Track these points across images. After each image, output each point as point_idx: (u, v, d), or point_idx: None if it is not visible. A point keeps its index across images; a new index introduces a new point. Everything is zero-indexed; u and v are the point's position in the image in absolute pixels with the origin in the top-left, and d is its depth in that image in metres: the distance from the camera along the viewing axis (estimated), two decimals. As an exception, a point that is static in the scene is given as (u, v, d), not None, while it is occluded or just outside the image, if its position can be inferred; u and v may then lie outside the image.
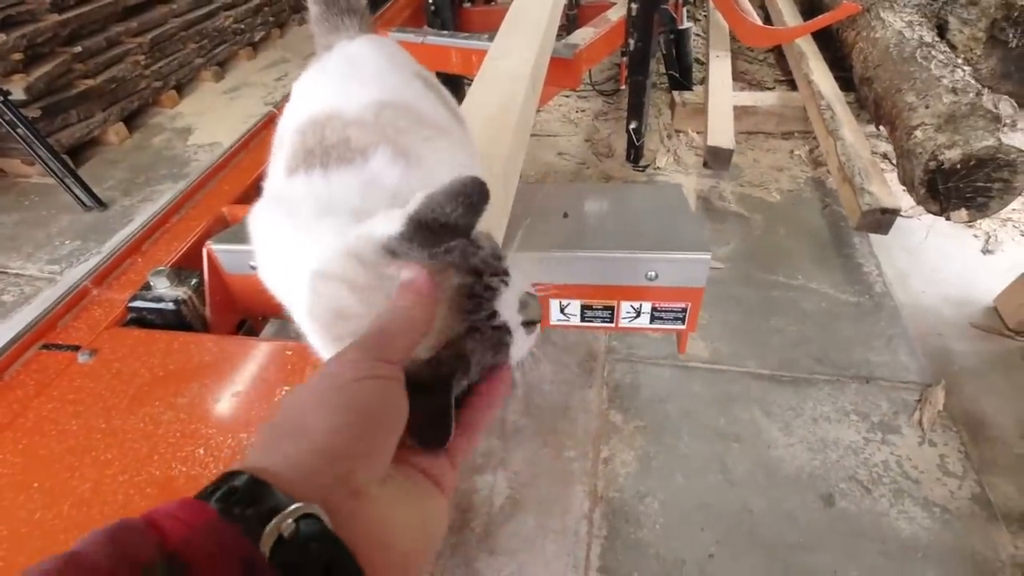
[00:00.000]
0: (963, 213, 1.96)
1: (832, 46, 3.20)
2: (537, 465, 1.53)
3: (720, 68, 2.83)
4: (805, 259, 2.12)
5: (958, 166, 1.85)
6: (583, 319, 0.93)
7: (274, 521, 0.24)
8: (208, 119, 3.37)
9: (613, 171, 2.66)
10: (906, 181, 2.05)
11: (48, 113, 2.82)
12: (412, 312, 0.35)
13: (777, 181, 2.54)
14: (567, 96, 3.24)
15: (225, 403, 0.78)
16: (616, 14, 2.27)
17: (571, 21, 2.45)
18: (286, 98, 0.67)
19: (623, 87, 2.64)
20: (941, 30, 2.78)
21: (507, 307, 0.39)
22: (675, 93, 2.89)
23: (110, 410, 0.77)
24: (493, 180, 0.79)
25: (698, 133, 2.83)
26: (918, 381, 1.67)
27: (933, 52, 2.30)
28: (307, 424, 0.29)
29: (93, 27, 3.08)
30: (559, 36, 2.89)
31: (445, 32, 1.68)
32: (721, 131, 2.31)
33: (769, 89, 3.16)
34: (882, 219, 1.88)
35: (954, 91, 2.04)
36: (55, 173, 2.52)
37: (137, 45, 3.28)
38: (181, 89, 3.68)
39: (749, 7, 3.15)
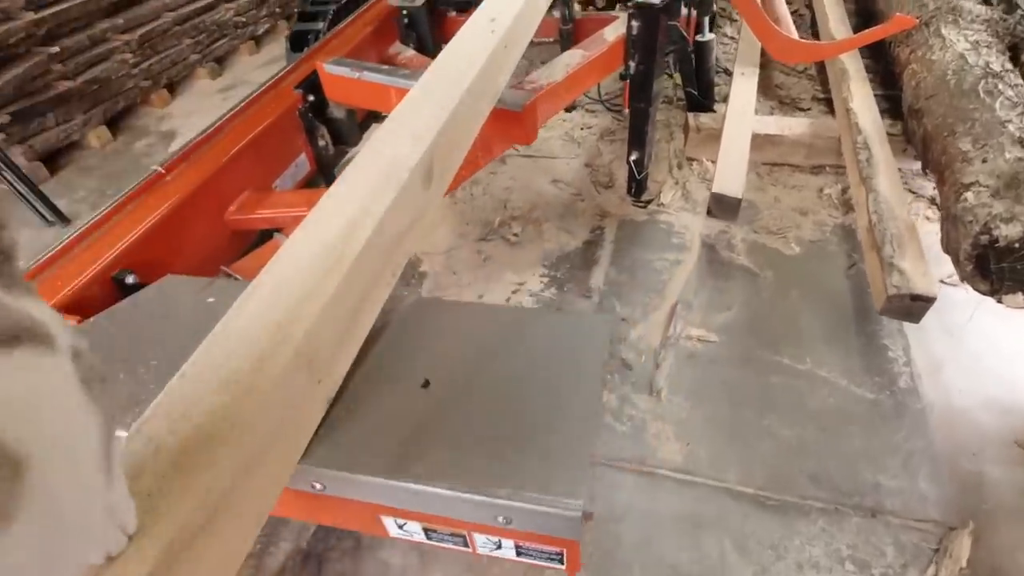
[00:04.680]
0: (1020, 297, 1.59)
1: (885, 58, 2.78)
2: (456, 596, 1.29)
3: (743, 89, 2.47)
4: (817, 335, 1.79)
5: (1016, 244, 1.48)
6: (428, 538, 0.68)
7: None
8: (194, 122, 3.20)
9: (611, 206, 2.36)
10: (951, 251, 1.69)
11: (21, 117, 2.70)
12: None
13: (799, 227, 2.19)
14: (573, 110, 2.92)
15: None
16: (614, 33, 1.95)
17: (565, 38, 2.13)
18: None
19: (627, 110, 2.33)
20: (1015, 52, 2.32)
21: None
22: (691, 115, 2.54)
23: None
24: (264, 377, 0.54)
25: (713, 162, 2.48)
26: (939, 521, 1.35)
27: (1000, 86, 1.89)
28: None
29: (75, 25, 2.93)
30: (549, 54, 2.58)
31: (385, 68, 1.42)
32: (730, 174, 1.98)
33: (803, 110, 2.76)
34: (913, 306, 1.54)
35: (1021, 143, 1.65)
36: (15, 187, 2.39)
37: (124, 43, 3.13)
38: (175, 87, 3.53)
39: (785, 13, 2.75)
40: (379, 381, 0.71)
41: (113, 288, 1.01)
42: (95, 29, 3.01)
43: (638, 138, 2.18)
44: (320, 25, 2.05)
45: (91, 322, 0.85)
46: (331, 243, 0.71)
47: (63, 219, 2.50)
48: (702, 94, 2.63)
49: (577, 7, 2.11)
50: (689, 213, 2.30)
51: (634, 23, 1.89)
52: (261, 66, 3.84)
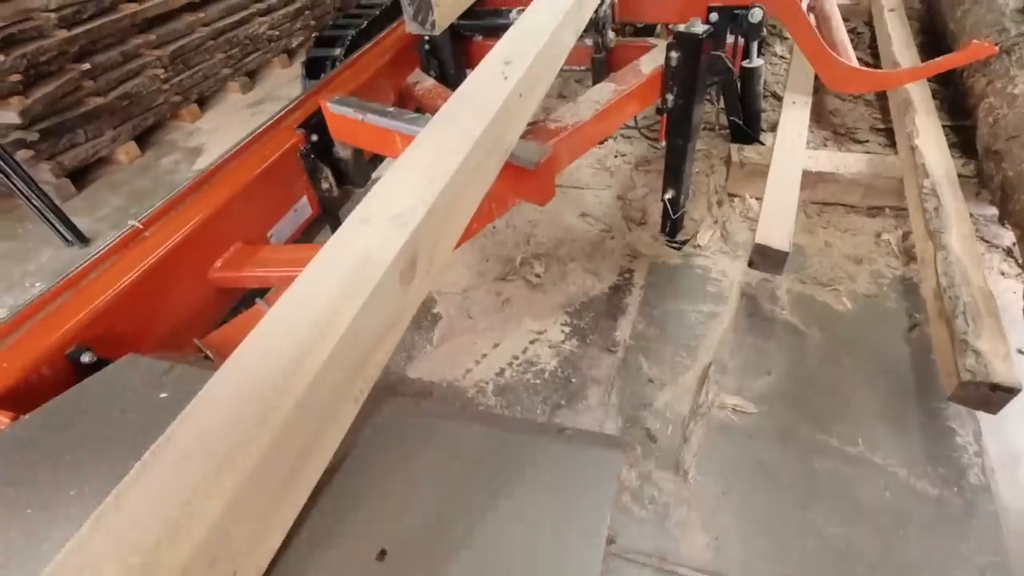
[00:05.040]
0: (1120, 385, 1.36)
1: (955, 84, 2.52)
2: None
3: (794, 120, 2.26)
4: (872, 411, 1.58)
5: (1122, 329, 1.25)
6: None
7: None
8: (220, 138, 3.18)
9: (642, 245, 2.18)
10: (1035, 325, 1.46)
11: (51, 134, 2.70)
12: None
13: (852, 279, 1.97)
14: (606, 139, 2.75)
15: None
16: (651, 64, 1.79)
17: (598, 67, 1.97)
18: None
19: (663, 143, 2.16)
20: (1115, 87, 2.04)
21: None
22: (734, 147, 2.35)
23: None
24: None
25: (757, 199, 2.28)
26: (1017, 662, 1.14)
27: (1099, 131, 1.64)
28: None
29: (108, 41, 2.93)
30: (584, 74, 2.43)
31: (390, 111, 1.30)
32: (777, 222, 1.78)
33: (860, 142, 2.52)
34: (992, 396, 1.31)
35: None
36: (36, 208, 2.38)
37: (156, 58, 3.12)
38: (205, 102, 3.52)
39: (844, 38, 2.52)
40: (326, 546, 0.58)
41: (68, 369, 0.91)
42: (128, 45, 3.02)
43: (674, 176, 2.00)
44: (337, 51, 1.95)
45: (18, 424, 0.75)
46: (272, 375, 0.57)
47: (82, 239, 2.49)
48: (748, 124, 2.44)
49: (611, 34, 1.95)
50: (728, 257, 2.10)
51: (673, 54, 1.72)
52: (292, 80, 3.80)
